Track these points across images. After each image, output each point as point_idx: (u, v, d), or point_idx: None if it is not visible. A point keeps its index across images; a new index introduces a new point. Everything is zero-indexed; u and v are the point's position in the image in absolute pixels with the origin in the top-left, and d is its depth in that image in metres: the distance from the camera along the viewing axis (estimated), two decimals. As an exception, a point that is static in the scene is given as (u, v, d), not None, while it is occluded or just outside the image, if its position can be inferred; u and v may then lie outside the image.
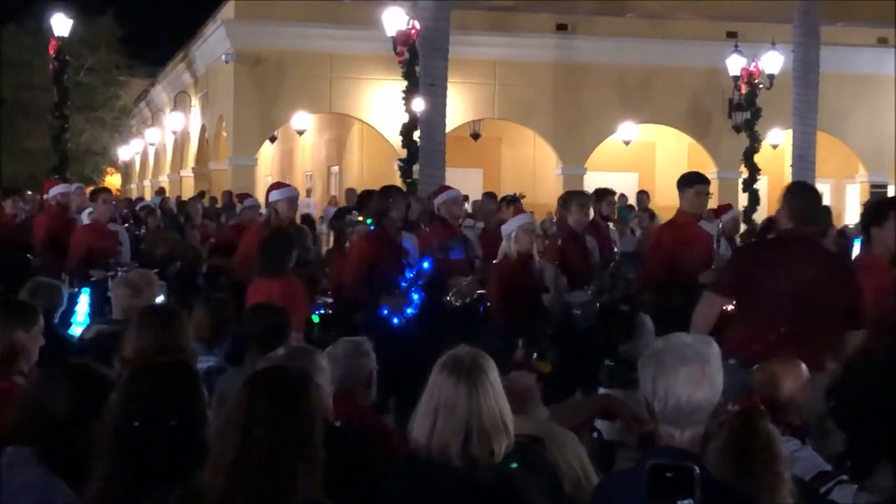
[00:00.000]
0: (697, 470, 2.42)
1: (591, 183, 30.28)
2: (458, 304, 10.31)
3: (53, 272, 10.95)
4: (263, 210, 13.16)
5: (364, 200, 12.86)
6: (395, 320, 9.38)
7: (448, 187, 12.25)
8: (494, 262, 9.84)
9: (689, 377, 3.38)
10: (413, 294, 9.52)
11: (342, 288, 10.12)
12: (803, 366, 5.07)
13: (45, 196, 13.92)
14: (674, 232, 9.40)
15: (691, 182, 9.37)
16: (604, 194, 11.83)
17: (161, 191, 31.48)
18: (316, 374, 4.75)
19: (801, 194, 6.99)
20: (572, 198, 10.89)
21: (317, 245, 12.02)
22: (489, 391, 3.85)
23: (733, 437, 3.88)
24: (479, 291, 10.48)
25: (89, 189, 16.98)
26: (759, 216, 26.56)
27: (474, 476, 2.39)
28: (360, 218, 12.94)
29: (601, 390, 5.46)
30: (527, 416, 4.65)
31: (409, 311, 9.46)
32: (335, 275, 10.94)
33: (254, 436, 3.19)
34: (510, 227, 9.47)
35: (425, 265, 9.70)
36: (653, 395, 3.42)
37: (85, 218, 13.33)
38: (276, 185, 11.01)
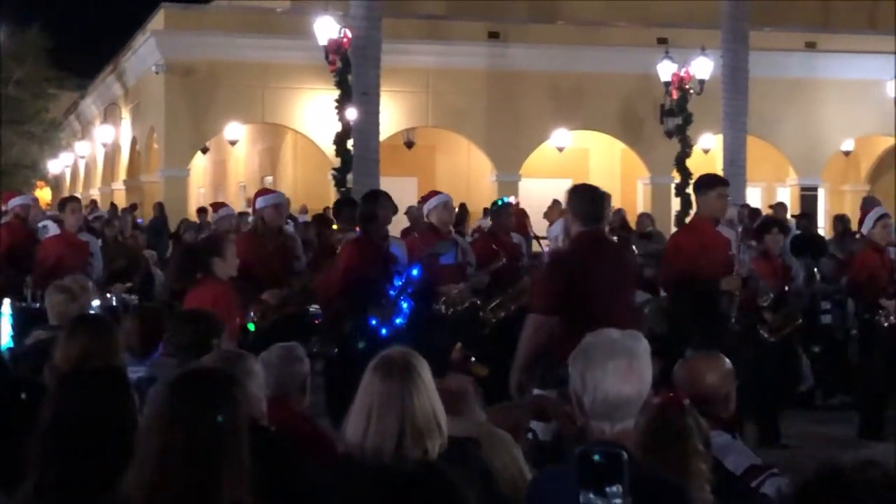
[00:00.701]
0: (626, 455, 2.45)
1: (526, 190, 30.51)
2: (448, 312, 10.18)
3: (14, 288, 10.72)
4: (246, 217, 13.17)
5: (341, 208, 12.81)
6: (384, 330, 9.05)
7: (437, 192, 11.94)
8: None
9: (617, 371, 3.42)
10: (402, 302, 9.20)
11: (328, 297, 9.88)
12: (725, 359, 5.16)
13: (2, 208, 13.50)
14: (693, 236, 9.18)
15: (712, 185, 9.19)
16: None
17: (93, 203, 31.17)
18: (247, 379, 4.74)
19: (583, 195, 7.46)
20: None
21: (307, 254, 11.87)
22: (422, 391, 3.87)
23: (651, 429, 3.94)
24: (471, 299, 10.39)
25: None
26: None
27: (406, 471, 2.40)
28: (335, 226, 12.90)
29: (535, 391, 5.50)
30: (462, 417, 4.68)
31: (397, 320, 9.14)
32: (321, 283, 10.80)
33: (173, 438, 3.16)
34: (557, 230, 8.97)
35: (414, 272, 9.38)
36: (582, 389, 3.47)
37: (52, 228, 13.10)
38: (261, 192, 10.73)
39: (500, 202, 13.09)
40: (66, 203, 12.68)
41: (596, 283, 6.85)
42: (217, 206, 14.87)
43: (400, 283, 9.21)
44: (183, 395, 3.26)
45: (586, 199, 7.30)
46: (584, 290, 6.80)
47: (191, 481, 3.13)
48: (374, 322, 9.04)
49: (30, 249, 12.34)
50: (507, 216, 12.35)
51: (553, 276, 7.27)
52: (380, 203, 9.60)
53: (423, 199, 11.85)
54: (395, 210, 10.17)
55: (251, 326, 10.10)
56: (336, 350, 9.79)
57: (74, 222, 12.27)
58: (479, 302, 10.86)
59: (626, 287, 7.38)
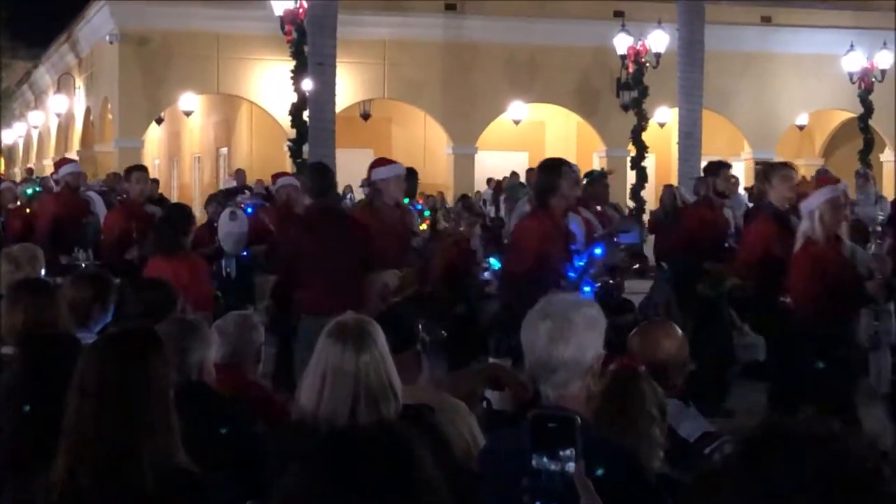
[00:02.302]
0: (579, 420, 2.44)
1: (482, 163, 30.54)
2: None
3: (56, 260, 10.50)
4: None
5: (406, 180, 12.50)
6: None
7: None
8: (798, 247, 8.17)
9: (549, 333, 3.42)
10: (584, 286, 8.15)
11: (508, 278, 8.74)
12: (677, 328, 5.19)
13: (52, 175, 12.92)
14: (773, 224, 9.02)
15: (776, 168, 9.27)
16: (718, 168, 10.65)
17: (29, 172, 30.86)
18: (199, 346, 4.73)
19: (316, 172, 9.08)
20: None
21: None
22: (376, 357, 3.87)
23: (606, 395, 3.96)
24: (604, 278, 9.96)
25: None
26: (647, 193, 26.95)
27: (362, 434, 2.39)
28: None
29: (490, 360, 5.51)
30: (416, 385, 4.68)
31: None
32: (440, 263, 10.37)
33: (88, 399, 3.14)
34: (814, 204, 8.04)
35: (597, 251, 8.39)
36: (525, 350, 3.49)
37: (96, 200, 12.93)
38: (379, 162, 9.67)
39: (596, 173, 12.64)
40: (130, 172, 11.90)
41: (316, 248, 8.01)
42: (278, 175, 14.07)
43: (582, 263, 8.22)
44: (96, 357, 3.23)
45: (316, 176, 8.82)
46: (306, 253, 7.94)
47: (114, 441, 3.10)
48: None
49: (82, 221, 11.97)
50: (603, 187, 11.90)
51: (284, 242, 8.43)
52: (563, 173, 8.37)
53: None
54: (578, 181, 9.00)
55: (219, 294, 10.02)
56: (445, 333, 9.19)
57: (139, 192, 11.59)
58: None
59: (348, 256, 8.16)
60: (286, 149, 23.70)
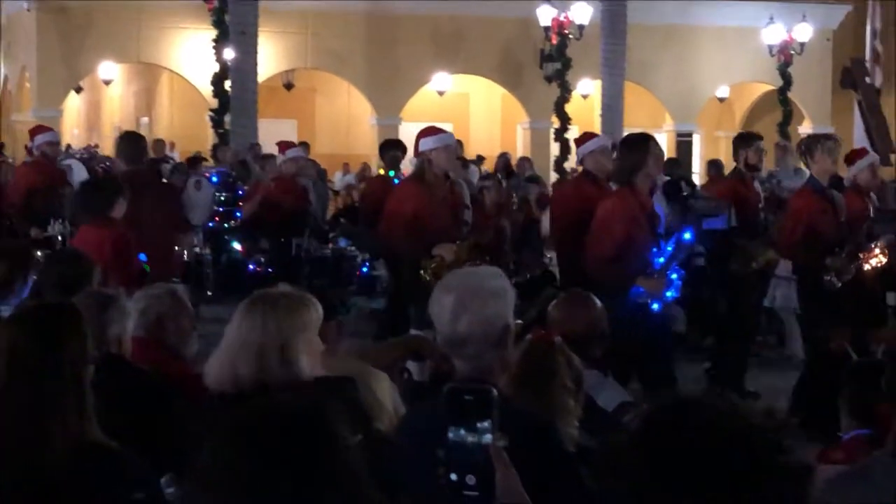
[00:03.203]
0: (495, 392, 2.47)
1: (407, 133, 30.42)
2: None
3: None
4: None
5: (385, 150, 12.34)
6: (655, 305, 7.53)
7: (594, 134, 9.96)
8: None
9: (453, 307, 3.42)
10: (672, 273, 7.61)
11: (594, 262, 7.95)
12: (596, 299, 5.25)
13: (28, 145, 12.12)
14: (816, 198, 8.79)
15: (819, 141, 9.05)
16: (750, 139, 10.06)
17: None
18: (119, 320, 4.69)
19: (128, 141, 9.97)
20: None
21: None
22: (282, 323, 3.89)
23: (522, 366, 3.99)
24: None
25: None
26: (570, 165, 27.06)
27: (280, 409, 2.40)
28: (381, 171, 12.47)
29: (412, 331, 5.53)
30: (339, 356, 4.69)
31: (668, 294, 7.61)
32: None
33: (10, 373, 3.11)
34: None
35: (686, 236, 7.74)
36: (435, 326, 3.51)
37: (76, 168, 12.66)
38: (427, 132, 9.20)
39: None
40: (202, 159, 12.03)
41: (138, 210, 8.49)
42: (285, 145, 13.43)
43: (671, 248, 7.60)
44: (20, 330, 3.19)
45: (127, 144, 9.66)
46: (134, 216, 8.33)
47: (24, 417, 3.08)
48: (642, 295, 7.47)
49: (59, 191, 11.47)
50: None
51: None
52: (649, 149, 7.75)
53: (578, 142, 9.54)
54: (661, 156, 8.20)
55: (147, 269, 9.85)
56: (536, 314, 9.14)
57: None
58: None
59: (162, 221, 9.12)
60: (208, 119, 23.50)
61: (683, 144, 31.72)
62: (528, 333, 4.20)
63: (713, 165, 18.10)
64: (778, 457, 1.76)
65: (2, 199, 11.95)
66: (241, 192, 14.49)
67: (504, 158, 19.87)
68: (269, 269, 12.69)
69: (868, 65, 26.26)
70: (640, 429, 1.87)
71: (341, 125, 31.32)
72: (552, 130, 27.98)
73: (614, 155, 8.92)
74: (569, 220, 8.83)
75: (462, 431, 2.45)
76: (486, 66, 30.55)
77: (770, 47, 29.39)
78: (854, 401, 4.88)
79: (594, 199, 8.36)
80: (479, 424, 2.45)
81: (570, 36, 27.42)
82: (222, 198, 14.38)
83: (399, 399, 4.69)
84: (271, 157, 14.95)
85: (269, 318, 3.92)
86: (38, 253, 10.17)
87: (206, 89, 24.19)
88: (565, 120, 27.20)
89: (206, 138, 25.04)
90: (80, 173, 13.33)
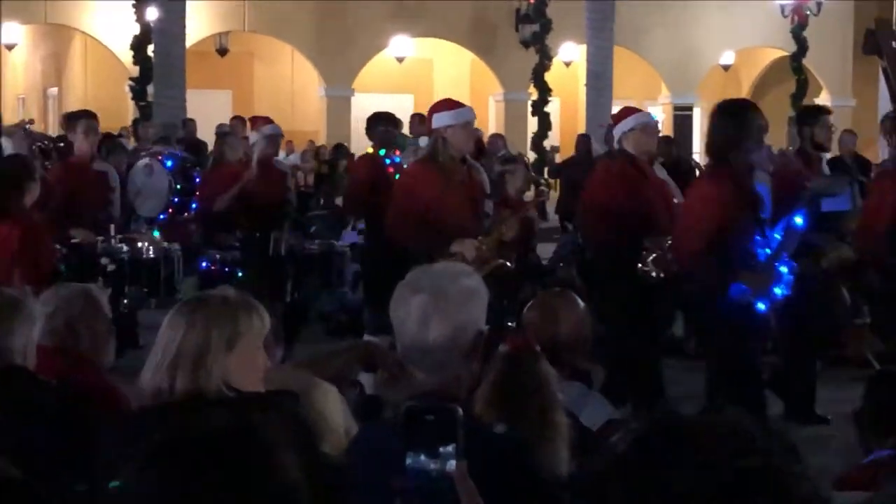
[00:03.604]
0: (461, 412, 2.46)
1: (360, 106, 30.45)
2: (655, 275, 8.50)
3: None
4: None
5: (374, 125, 12.19)
6: (762, 305, 7.24)
7: (634, 109, 9.76)
8: None
9: (422, 309, 3.42)
10: (781, 266, 7.33)
11: (685, 257, 7.67)
12: (578, 299, 5.25)
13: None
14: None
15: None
16: (817, 113, 10.09)
17: None
18: (23, 326, 4.66)
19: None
20: None
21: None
22: (220, 330, 3.89)
23: (500, 380, 3.98)
24: None
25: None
26: (553, 142, 27.13)
27: (214, 432, 2.38)
28: (370, 150, 12.24)
29: (365, 337, 5.52)
30: (280, 367, 4.68)
31: (777, 290, 7.27)
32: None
33: None
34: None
35: (797, 220, 7.37)
36: (395, 331, 3.50)
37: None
38: (442, 105, 9.04)
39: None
40: (76, 120, 11.10)
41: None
42: (258, 121, 12.76)
43: (778, 236, 7.31)
44: None
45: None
46: None
47: None
48: (743, 292, 7.15)
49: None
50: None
51: None
52: (750, 120, 7.46)
53: (616, 120, 9.48)
54: (764, 127, 7.78)
55: (63, 268, 9.77)
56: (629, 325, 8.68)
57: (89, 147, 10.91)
58: None
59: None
60: (128, 89, 23.40)
61: (682, 119, 31.86)
62: (500, 341, 4.19)
63: (668, 143, 18.15)
64: (790, 490, 1.76)
65: None
66: (197, 180, 14.23)
67: (475, 135, 19.81)
68: (238, 270, 12.20)
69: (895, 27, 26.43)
70: (626, 452, 1.87)
71: (284, 97, 31.23)
72: (529, 103, 28.03)
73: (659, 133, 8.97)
74: (605, 211, 8.78)
75: (422, 457, 2.45)
76: (453, 28, 30.56)
77: (782, 7, 29.53)
78: (876, 416, 4.90)
79: (636, 186, 8.43)
80: (441, 449, 2.44)
81: (551, -7, 27.49)
82: (178, 186, 14.16)
83: (350, 416, 4.68)
84: (229, 134, 14.57)
85: (207, 325, 3.92)
86: None
87: (126, 55, 24.08)
88: (545, 91, 27.26)
89: (126, 112, 24.93)
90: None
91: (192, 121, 20.28)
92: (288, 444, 2.55)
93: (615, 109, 20.21)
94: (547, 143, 26.99)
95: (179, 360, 3.89)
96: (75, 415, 4.46)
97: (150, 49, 22.22)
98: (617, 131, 9.09)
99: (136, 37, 22.75)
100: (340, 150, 23.07)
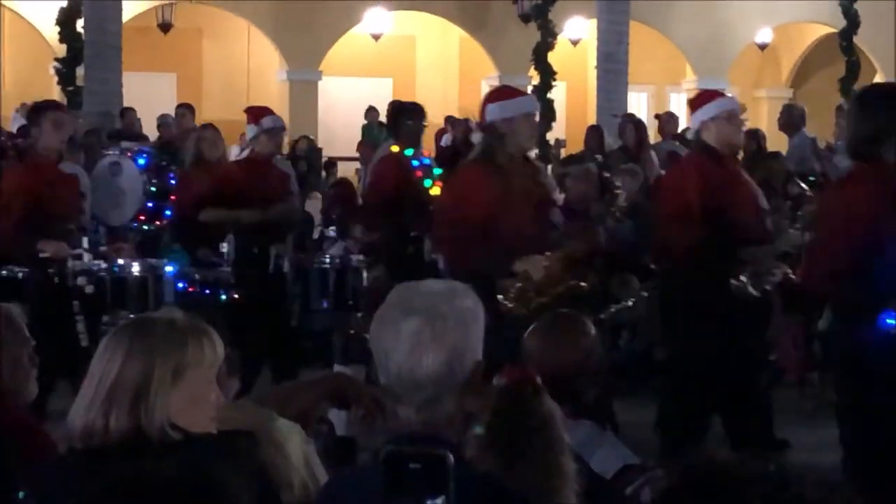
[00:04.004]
0: (451, 458, 2.47)
1: (330, 93, 30.47)
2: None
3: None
4: None
5: (398, 119, 12.14)
6: None
7: (716, 93, 9.69)
8: None
9: (415, 335, 3.45)
10: None
11: (823, 277, 7.25)
12: (588, 323, 5.26)
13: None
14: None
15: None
16: None
17: None
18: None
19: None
20: None
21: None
22: (164, 360, 3.90)
23: (499, 419, 3.99)
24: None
25: None
26: (558, 134, 27.16)
27: (163, 475, 2.40)
28: (395, 148, 12.05)
29: (336, 367, 5.51)
30: (236, 404, 4.69)
31: None
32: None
33: None
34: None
35: None
36: (377, 361, 3.50)
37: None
38: (499, 94, 9.00)
39: None
40: (41, 112, 10.71)
41: None
42: (256, 112, 12.25)
43: None
44: None
45: None
46: None
47: None
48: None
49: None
50: None
51: None
52: None
53: (694, 105, 9.22)
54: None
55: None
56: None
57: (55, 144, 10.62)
58: None
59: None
60: (53, 71, 23.41)
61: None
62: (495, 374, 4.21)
63: (752, 137, 18.20)
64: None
65: None
66: (172, 181, 14.06)
67: (463, 126, 19.76)
68: (221, 292, 11.87)
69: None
70: (668, 495, 1.89)
71: (239, 80, 31.22)
72: (530, 88, 28.05)
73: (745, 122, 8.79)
74: (681, 216, 8.54)
75: (406, 511, 2.46)
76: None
77: (830, -25, 29.64)
78: None
79: (719, 183, 8.35)
80: (429, 501, 2.45)
81: (555, -41, 27.54)
82: (152, 188, 14.01)
83: (318, 462, 4.69)
84: (208, 127, 14.17)
85: (149, 354, 3.92)
86: None
87: (51, 32, 24.10)
88: (548, 74, 27.26)
89: (51, 96, 24.91)
90: None
91: (130, 110, 20.22)
92: (245, 495, 2.57)
93: (631, 97, 20.33)
94: (550, 136, 26.98)
95: (116, 396, 3.89)
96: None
97: (80, 25, 22.22)
98: (695, 120, 8.90)
99: (62, 10, 22.76)
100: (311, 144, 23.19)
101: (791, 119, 15.90)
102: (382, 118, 20.89)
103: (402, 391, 3.50)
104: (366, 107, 26.14)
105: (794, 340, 11.87)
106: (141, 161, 13.86)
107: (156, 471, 2.55)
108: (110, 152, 14.39)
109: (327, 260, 12.47)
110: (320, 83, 30.19)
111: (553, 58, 27.44)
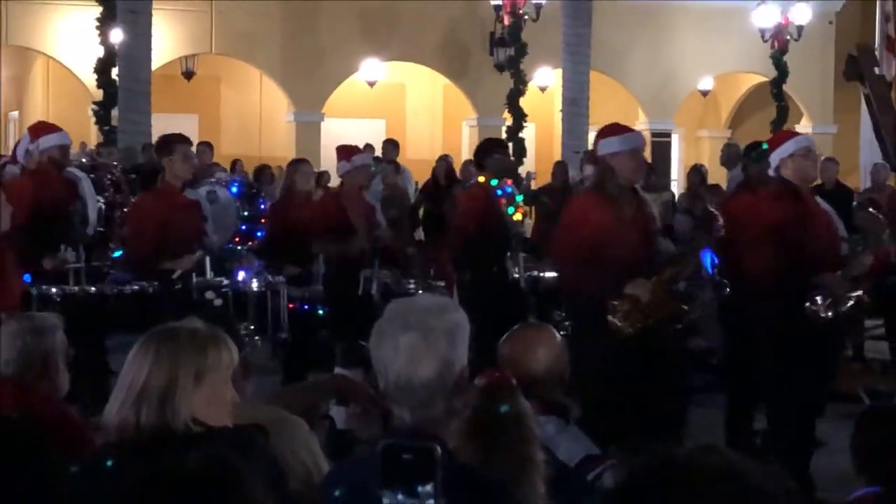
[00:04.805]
0: (439, 450, 2.46)
1: (331, 132, 30.41)
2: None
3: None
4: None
5: (488, 153, 11.79)
6: None
7: (793, 132, 9.52)
8: None
9: (411, 348, 3.44)
10: None
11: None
12: (555, 332, 5.26)
13: (28, 148, 11.07)
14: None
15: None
16: None
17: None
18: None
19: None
20: None
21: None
22: (187, 364, 3.89)
23: (477, 416, 3.98)
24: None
25: None
26: (528, 167, 27.15)
27: (184, 466, 2.39)
28: (482, 179, 11.91)
29: (336, 370, 5.50)
30: (250, 402, 4.67)
31: None
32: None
33: None
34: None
35: None
36: (376, 369, 3.50)
37: (83, 179, 11.88)
38: (610, 130, 8.67)
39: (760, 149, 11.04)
40: (171, 144, 10.71)
41: None
42: (348, 151, 12.19)
43: None
44: None
45: None
46: None
47: None
48: None
49: (66, 209, 10.81)
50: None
51: None
52: None
53: (777, 142, 9.06)
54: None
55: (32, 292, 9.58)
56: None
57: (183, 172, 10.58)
58: None
59: None
60: (91, 113, 23.36)
61: (660, 146, 31.91)
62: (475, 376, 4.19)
63: (696, 172, 18.22)
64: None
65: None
66: (263, 207, 14.06)
67: (445, 162, 19.71)
68: (311, 307, 11.57)
69: (878, 52, 26.50)
70: (619, 494, 1.87)
71: (252, 122, 31.21)
72: (504, 128, 28.04)
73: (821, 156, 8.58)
74: (758, 246, 8.41)
75: (399, 497, 2.44)
76: (426, 51, 30.58)
77: (762, 31, 29.63)
78: (863, 452, 4.91)
79: (797, 217, 8.24)
80: (419, 489, 2.44)
81: (526, 16, 27.52)
82: (244, 213, 14.00)
83: (320, 452, 4.67)
84: (302, 162, 13.98)
85: (174, 359, 3.92)
86: (54, 290, 9.86)
87: (90, 78, 24.04)
88: (520, 116, 27.28)
89: (89, 137, 24.87)
90: (88, 187, 12.50)
91: (151, 145, 20.18)
92: (259, 481, 2.56)
93: (591, 136, 20.31)
94: (522, 170, 27.00)
95: (145, 396, 3.89)
96: (39, 452, 4.43)
97: (115, 72, 22.21)
98: (775, 157, 8.70)
99: (100, 60, 22.73)
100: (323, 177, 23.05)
101: (730, 156, 15.91)
102: (378, 153, 20.85)
103: (398, 395, 3.50)
104: (362, 144, 26.09)
105: None
106: (234, 189, 13.81)
107: (180, 460, 2.55)
108: (206, 182, 14.29)
109: (412, 285, 12.69)
110: (323, 123, 30.14)
111: (524, 102, 27.47)
